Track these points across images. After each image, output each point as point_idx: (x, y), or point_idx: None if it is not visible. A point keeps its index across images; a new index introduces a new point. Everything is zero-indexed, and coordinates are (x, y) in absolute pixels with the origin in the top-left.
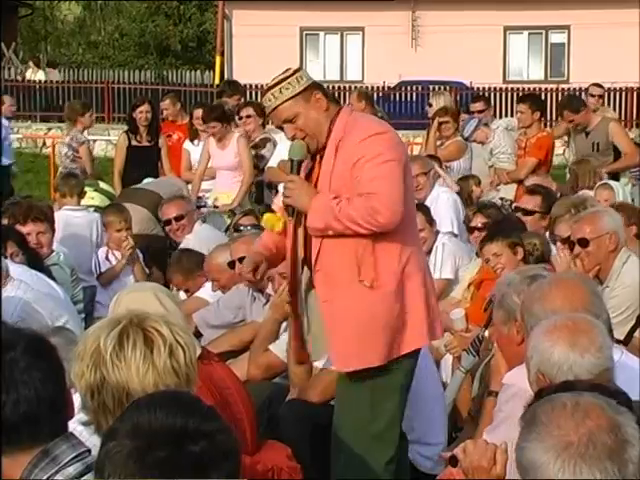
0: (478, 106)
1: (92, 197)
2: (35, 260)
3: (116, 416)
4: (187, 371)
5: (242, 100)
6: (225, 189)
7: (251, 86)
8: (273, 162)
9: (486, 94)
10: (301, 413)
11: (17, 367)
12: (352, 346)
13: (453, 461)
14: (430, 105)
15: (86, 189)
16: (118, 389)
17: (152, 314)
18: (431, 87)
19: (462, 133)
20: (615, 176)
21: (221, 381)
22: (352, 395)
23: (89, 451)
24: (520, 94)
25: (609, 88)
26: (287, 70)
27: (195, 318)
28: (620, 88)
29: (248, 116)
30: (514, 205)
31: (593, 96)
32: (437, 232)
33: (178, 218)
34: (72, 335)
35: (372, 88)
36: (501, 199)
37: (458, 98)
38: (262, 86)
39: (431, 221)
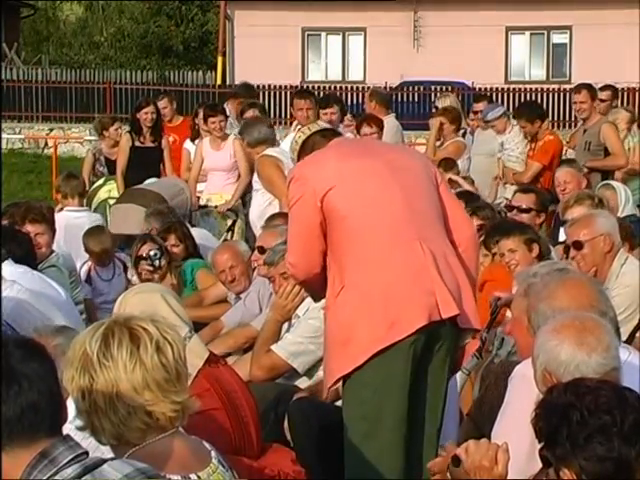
0: (481, 106)
1: (109, 190)
2: (27, 262)
3: (108, 416)
4: (176, 366)
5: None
6: (218, 190)
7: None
8: None
9: (488, 94)
10: (309, 414)
11: (14, 359)
12: (324, 364)
13: (455, 461)
14: (436, 108)
15: (107, 184)
16: (107, 388)
17: (138, 315)
18: (433, 87)
19: (485, 115)
20: (605, 176)
21: (228, 384)
22: (345, 395)
23: (86, 453)
24: (522, 94)
25: None
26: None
27: (225, 321)
28: (622, 88)
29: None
30: (507, 204)
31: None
32: None
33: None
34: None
35: None
36: (506, 199)
37: (460, 98)
38: (264, 86)
39: None
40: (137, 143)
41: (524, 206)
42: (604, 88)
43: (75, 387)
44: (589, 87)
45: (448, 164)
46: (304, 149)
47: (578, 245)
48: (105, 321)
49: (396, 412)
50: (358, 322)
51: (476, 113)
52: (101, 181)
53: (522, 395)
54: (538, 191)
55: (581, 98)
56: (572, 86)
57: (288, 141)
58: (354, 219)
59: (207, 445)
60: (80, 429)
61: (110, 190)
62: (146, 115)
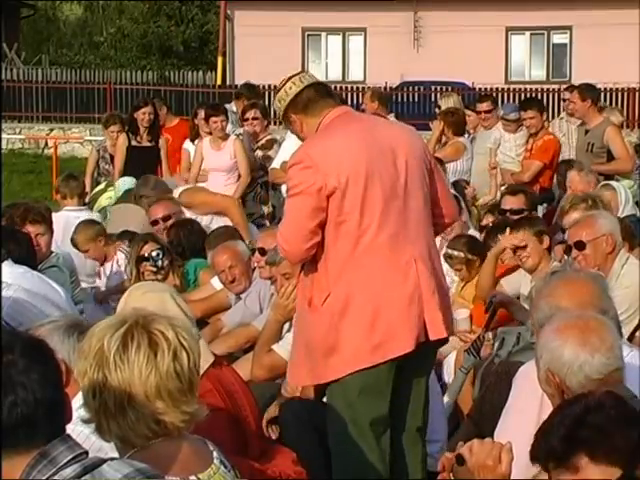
0: (485, 106)
1: (110, 197)
2: (27, 262)
3: (117, 419)
4: (190, 375)
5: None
6: (218, 190)
7: None
8: (276, 163)
9: (489, 94)
10: (301, 414)
11: (15, 369)
12: (300, 361)
13: (459, 460)
14: (439, 107)
15: (108, 190)
16: (120, 391)
17: (158, 316)
18: (433, 88)
19: (508, 113)
20: (609, 176)
21: (230, 385)
22: (329, 398)
23: (86, 453)
24: (522, 94)
25: (611, 89)
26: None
27: (225, 321)
28: (622, 89)
29: (255, 118)
30: (499, 208)
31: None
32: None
33: (165, 218)
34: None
35: None
36: None
37: (460, 99)
38: (264, 87)
39: (460, 210)
40: (134, 142)
41: (516, 207)
42: (483, 99)
43: (87, 382)
44: (581, 88)
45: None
46: (296, 102)
47: (580, 245)
48: (126, 320)
49: (380, 415)
50: (342, 336)
51: (479, 113)
52: (102, 185)
53: (526, 395)
54: (526, 191)
55: (570, 98)
56: None
57: (289, 141)
58: (353, 225)
59: (209, 445)
60: (85, 422)
61: (111, 197)
62: (143, 115)
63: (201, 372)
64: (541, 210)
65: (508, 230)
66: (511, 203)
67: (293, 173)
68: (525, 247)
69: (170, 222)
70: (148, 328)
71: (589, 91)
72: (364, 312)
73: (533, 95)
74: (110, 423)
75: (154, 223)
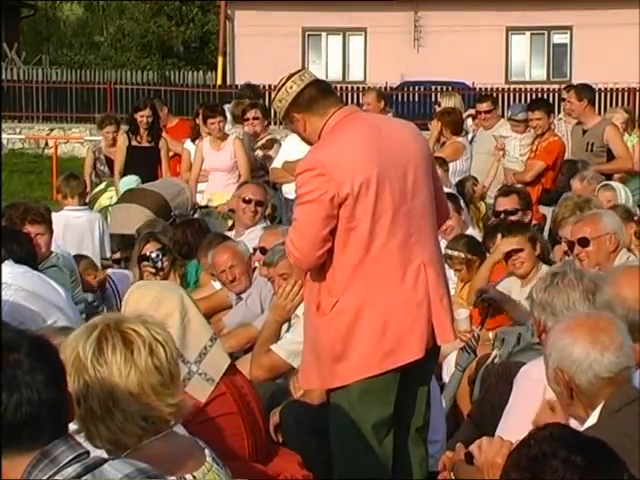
0: (485, 106)
1: (111, 197)
2: (28, 262)
3: (105, 422)
4: (170, 368)
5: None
6: (219, 190)
7: None
8: (276, 162)
9: (489, 95)
10: (301, 418)
11: (20, 369)
12: (310, 364)
13: (468, 458)
14: (439, 105)
15: (109, 190)
16: (103, 393)
17: (128, 316)
18: (433, 88)
19: (516, 113)
20: (608, 176)
21: (242, 388)
22: (332, 399)
23: (88, 452)
24: (523, 95)
25: (611, 89)
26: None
27: (226, 321)
28: (622, 89)
29: (255, 118)
30: (493, 210)
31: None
32: (465, 221)
33: (258, 203)
34: None
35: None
36: None
37: (461, 99)
38: (264, 86)
39: (459, 209)
40: (134, 143)
41: (510, 208)
42: (483, 99)
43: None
44: (577, 88)
45: (439, 163)
46: (298, 101)
47: (584, 242)
48: (97, 324)
49: (383, 417)
50: (352, 344)
51: (480, 113)
52: (102, 185)
53: (527, 395)
54: (518, 190)
55: (567, 97)
56: None
57: (290, 141)
58: (363, 232)
59: (201, 443)
60: (74, 433)
61: (111, 197)
62: (142, 118)
63: (220, 375)
64: (546, 210)
65: (500, 236)
66: (504, 204)
67: (305, 180)
68: (523, 250)
69: (260, 209)
70: (120, 328)
71: (585, 91)
72: (374, 320)
73: (533, 95)
74: (99, 427)
75: (246, 201)
